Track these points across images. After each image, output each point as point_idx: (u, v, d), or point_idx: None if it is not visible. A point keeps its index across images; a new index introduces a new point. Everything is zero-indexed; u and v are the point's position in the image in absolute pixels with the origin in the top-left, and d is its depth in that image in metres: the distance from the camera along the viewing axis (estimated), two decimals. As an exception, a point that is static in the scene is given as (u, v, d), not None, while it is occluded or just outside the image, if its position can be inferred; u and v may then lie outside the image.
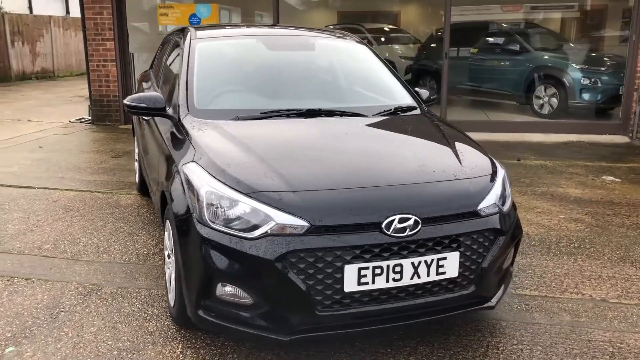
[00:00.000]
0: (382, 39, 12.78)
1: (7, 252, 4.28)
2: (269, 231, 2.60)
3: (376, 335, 3.09)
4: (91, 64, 9.76)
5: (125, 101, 3.60)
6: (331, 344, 3.03)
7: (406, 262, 2.68)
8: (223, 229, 2.65)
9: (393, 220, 2.66)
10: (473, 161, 3.19)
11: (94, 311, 3.39)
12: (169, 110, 3.62)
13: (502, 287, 3.11)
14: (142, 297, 3.56)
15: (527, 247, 4.47)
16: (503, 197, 3.07)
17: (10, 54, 18.03)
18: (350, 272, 2.61)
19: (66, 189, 5.93)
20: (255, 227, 2.62)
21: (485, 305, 2.99)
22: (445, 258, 2.76)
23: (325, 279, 2.60)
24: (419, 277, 2.72)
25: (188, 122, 3.38)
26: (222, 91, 3.82)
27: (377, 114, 3.73)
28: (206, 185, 2.79)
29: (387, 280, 2.68)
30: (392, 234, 2.65)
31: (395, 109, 3.85)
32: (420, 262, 2.71)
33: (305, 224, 2.60)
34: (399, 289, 2.72)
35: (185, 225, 2.80)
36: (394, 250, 2.66)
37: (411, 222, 2.68)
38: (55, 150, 7.81)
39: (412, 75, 11.98)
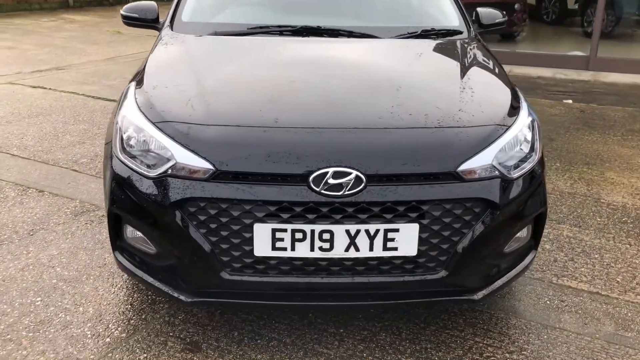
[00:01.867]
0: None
1: (44, 162, 4.31)
2: (169, 171, 2.13)
3: (327, 312, 2.54)
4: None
5: (122, 10, 3.27)
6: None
7: (338, 229, 2.06)
8: (128, 162, 2.23)
9: (325, 174, 2.03)
10: (481, 106, 2.36)
11: (70, 233, 3.23)
12: (160, 23, 3.21)
13: (501, 277, 2.34)
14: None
15: (612, 224, 3.46)
16: (515, 157, 2.25)
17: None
18: (261, 232, 2.06)
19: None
20: (156, 164, 2.16)
21: (464, 297, 2.27)
22: (397, 230, 2.08)
23: (231, 237, 2.09)
24: (357, 249, 2.09)
25: (162, 36, 2.95)
26: (228, 2, 3.30)
27: (395, 37, 2.97)
28: (125, 108, 2.38)
29: (312, 249, 2.08)
30: (322, 191, 2.03)
31: (424, 31, 3.04)
32: (358, 230, 2.06)
33: (209, 167, 2.07)
34: (329, 261, 2.12)
35: (108, 152, 2.43)
36: (323, 212, 2.05)
37: (350, 178, 2.03)
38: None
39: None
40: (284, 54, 2.79)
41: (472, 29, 3.18)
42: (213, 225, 2.08)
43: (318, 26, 2.95)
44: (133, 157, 2.22)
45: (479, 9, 3.33)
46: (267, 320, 2.50)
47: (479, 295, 2.27)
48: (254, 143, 2.11)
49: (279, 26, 2.95)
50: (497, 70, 2.79)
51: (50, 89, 6.52)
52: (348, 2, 3.37)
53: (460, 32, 3.09)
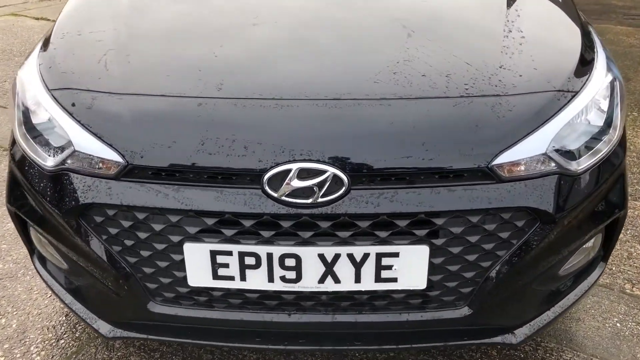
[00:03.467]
0: None
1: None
2: (67, 163, 1.47)
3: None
4: None
5: None
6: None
7: (308, 253, 1.38)
8: (24, 146, 1.58)
9: (288, 172, 1.34)
10: (534, 59, 1.57)
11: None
12: None
13: (553, 307, 1.63)
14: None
15: None
16: (582, 138, 1.49)
17: None
18: (195, 255, 1.41)
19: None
20: (53, 152, 1.51)
21: (496, 339, 1.58)
22: (396, 254, 1.39)
23: (155, 259, 1.45)
24: (336, 281, 1.42)
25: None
26: None
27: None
28: (25, 67, 1.71)
29: (271, 279, 1.42)
30: (283, 198, 1.34)
31: None
32: (338, 255, 1.38)
33: (118, 159, 1.41)
34: (298, 295, 1.46)
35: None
36: (284, 228, 1.37)
37: (325, 178, 1.34)
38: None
39: None
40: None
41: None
42: (129, 243, 1.44)
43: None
44: (35, 137, 1.57)
45: None
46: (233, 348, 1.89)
47: (519, 336, 1.58)
48: (183, 123, 1.42)
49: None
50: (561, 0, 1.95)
51: (54, 20, 5.89)
52: None
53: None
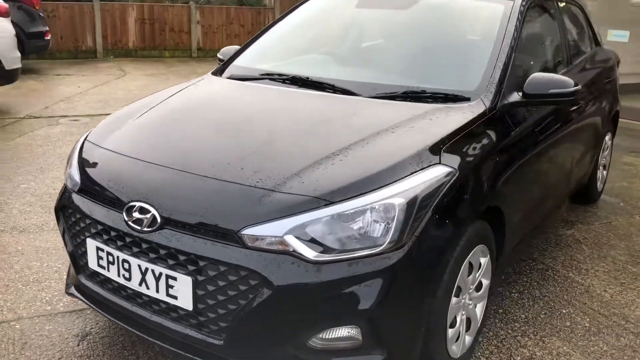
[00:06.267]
0: None
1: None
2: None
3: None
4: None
5: (218, 54, 3.77)
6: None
7: (134, 262, 2.13)
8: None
9: (133, 207, 2.14)
10: (323, 175, 2.05)
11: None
12: None
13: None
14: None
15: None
16: (348, 239, 1.92)
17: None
18: (91, 247, 2.28)
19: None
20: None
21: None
22: (175, 278, 2.04)
23: (79, 245, 2.37)
24: (147, 287, 2.12)
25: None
26: (283, 51, 3.46)
27: (373, 96, 2.66)
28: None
29: (119, 275, 2.20)
30: (130, 223, 2.14)
31: (410, 92, 2.65)
32: (147, 268, 2.10)
33: (77, 180, 2.41)
34: (131, 292, 2.20)
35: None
36: (126, 242, 2.16)
37: (149, 215, 2.09)
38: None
39: None
40: (240, 100, 2.85)
41: (497, 97, 2.60)
42: (73, 231, 2.40)
43: (307, 77, 2.90)
44: None
45: (533, 75, 2.71)
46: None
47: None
48: (111, 170, 2.35)
49: (280, 74, 3.00)
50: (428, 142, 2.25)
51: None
52: (379, 55, 3.17)
53: (465, 99, 2.59)
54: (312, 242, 1.92)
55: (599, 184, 4.58)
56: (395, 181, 2.04)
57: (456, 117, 2.43)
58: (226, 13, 14.11)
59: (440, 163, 2.17)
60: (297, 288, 1.91)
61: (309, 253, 1.91)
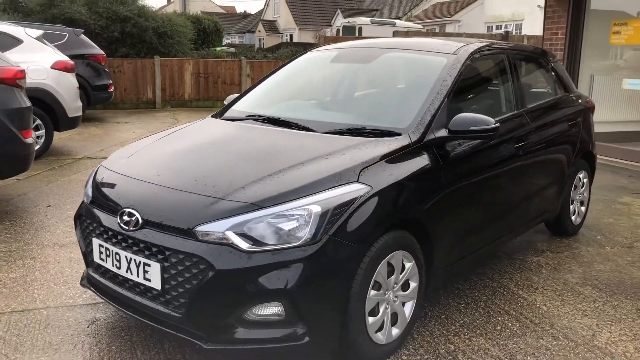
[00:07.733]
0: None
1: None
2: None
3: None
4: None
5: (225, 101, 4.52)
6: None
7: (123, 254, 2.81)
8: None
9: (124, 212, 2.83)
10: (261, 187, 2.69)
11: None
12: None
13: (244, 344, 2.58)
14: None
15: None
16: (274, 234, 2.55)
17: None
18: (95, 245, 2.99)
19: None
20: None
21: (194, 340, 2.62)
22: (149, 265, 2.70)
23: (88, 244, 3.08)
24: (131, 273, 2.79)
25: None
26: (271, 97, 4.18)
27: (326, 132, 3.29)
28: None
29: (112, 265, 2.89)
30: (121, 224, 2.83)
31: (353, 129, 3.26)
32: (131, 258, 2.77)
33: (90, 195, 3.14)
34: (122, 278, 2.86)
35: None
36: (118, 239, 2.84)
37: (134, 218, 2.78)
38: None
39: None
40: (220, 133, 3.56)
41: (425, 133, 3.18)
42: (84, 233, 3.12)
43: (278, 117, 3.57)
44: None
45: (458, 115, 3.26)
46: (146, 326, 3.29)
47: (207, 345, 2.60)
48: (112, 185, 3.08)
49: (260, 115, 3.70)
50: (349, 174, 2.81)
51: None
52: (339, 99, 3.87)
53: (397, 134, 3.17)
54: (246, 237, 2.55)
55: (574, 217, 4.97)
56: (315, 193, 2.65)
57: (382, 147, 3.03)
58: (274, 66, 15.18)
59: (357, 181, 2.77)
60: (234, 271, 2.52)
61: (243, 245, 2.53)
